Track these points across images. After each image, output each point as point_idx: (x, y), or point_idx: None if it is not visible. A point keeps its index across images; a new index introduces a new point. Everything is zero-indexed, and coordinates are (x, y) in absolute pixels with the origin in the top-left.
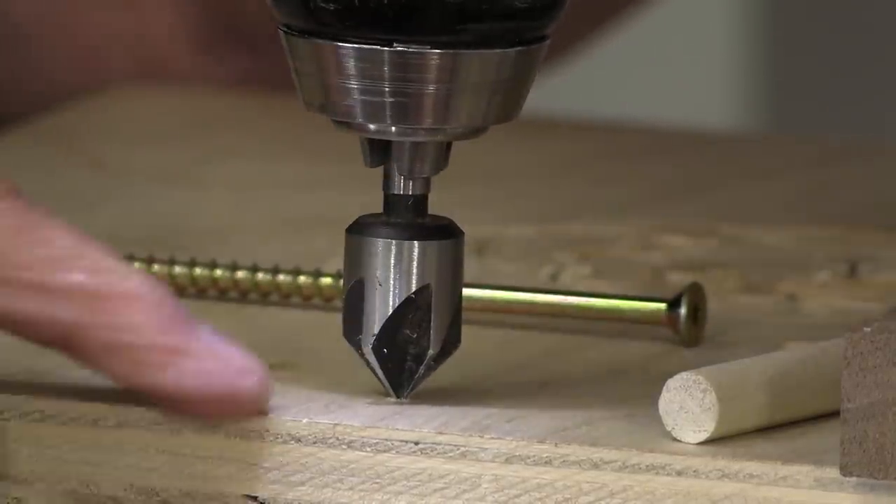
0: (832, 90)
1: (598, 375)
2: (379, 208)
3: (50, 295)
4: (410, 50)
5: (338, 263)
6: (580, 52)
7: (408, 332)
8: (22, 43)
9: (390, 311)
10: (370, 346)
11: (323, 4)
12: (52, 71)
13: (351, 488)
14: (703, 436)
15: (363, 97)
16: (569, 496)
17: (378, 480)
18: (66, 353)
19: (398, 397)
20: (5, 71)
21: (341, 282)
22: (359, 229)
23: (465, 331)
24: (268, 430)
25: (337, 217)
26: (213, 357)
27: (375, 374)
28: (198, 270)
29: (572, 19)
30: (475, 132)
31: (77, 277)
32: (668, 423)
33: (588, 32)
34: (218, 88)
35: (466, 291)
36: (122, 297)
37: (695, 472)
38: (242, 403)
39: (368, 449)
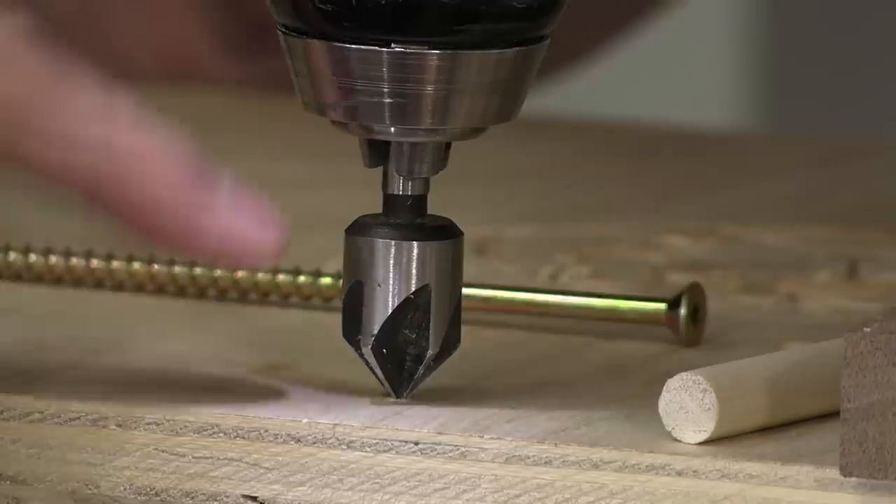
0: (832, 90)
1: (597, 375)
2: (379, 208)
3: (75, 147)
4: (409, 51)
5: (337, 263)
6: (602, 54)
7: (407, 332)
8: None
9: (390, 311)
10: (370, 347)
11: (321, 5)
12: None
13: (351, 488)
14: (703, 436)
15: (361, 98)
16: (569, 496)
17: (378, 480)
18: (89, 206)
19: (398, 397)
20: None
21: (341, 282)
22: (358, 230)
23: (465, 331)
24: (268, 430)
25: (337, 217)
26: (236, 210)
27: (375, 375)
28: (197, 270)
29: (595, 21)
30: (474, 132)
31: (101, 130)
32: (668, 423)
33: (612, 34)
34: (245, 88)
35: (466, 291)
36: (145, 152)
37: (695, 472)
38: (261, 255)
39: (368, 449)
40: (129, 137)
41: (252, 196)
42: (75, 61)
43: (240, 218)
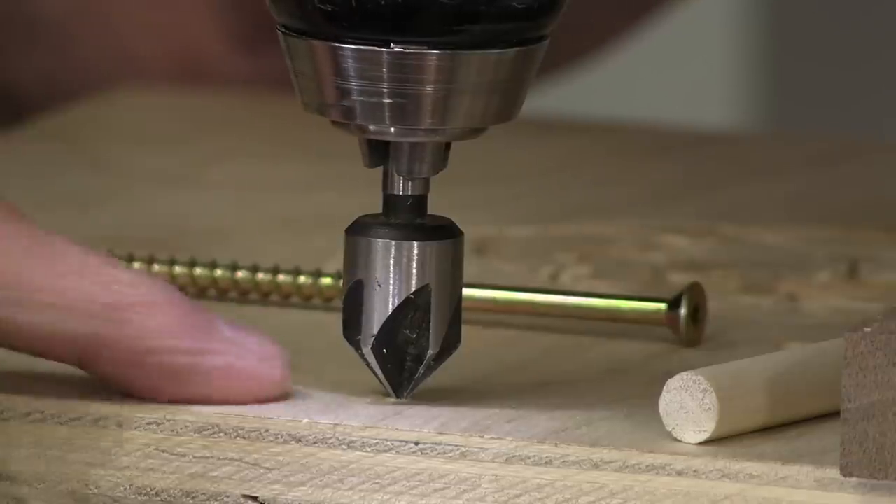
0: (832, 89)
1: (598, 375)
2: (379, 208)
3: (67, 311)
4: (408, 51)
5: (338, 263)
6: (612, 49)
7: (407, 332)
8: (58, 38)
9: (390, 311)
10: (370, 347)
11: (320, 5)
12: (87, 67)
13: (351, 488)
14: (704, 436)
15: (361, 98)
16: (569, 496)
17: (378, 480)
18: (90, 369)
19: (398, 397)
20: (40, 66)
21: (341, 282)
22: (358, 230)
23: (465, 331)
24: (268, 430)
25: (337, 217)
26: (235, 351)
27: (375, 375)
28: (198, 270)
29: (606, 15)
30: (474, 132)
31: (91, 291)
32: (669, 423)
33: (621, 30)
34: (252, 86)
35: (466, 291)
36: (138, 306)
37: (695, 472)
38: (267, 391)
39: (368, 449)
40: (120, 295)
41: (249, 333)
42: (49, 231)
43: (240, 357)
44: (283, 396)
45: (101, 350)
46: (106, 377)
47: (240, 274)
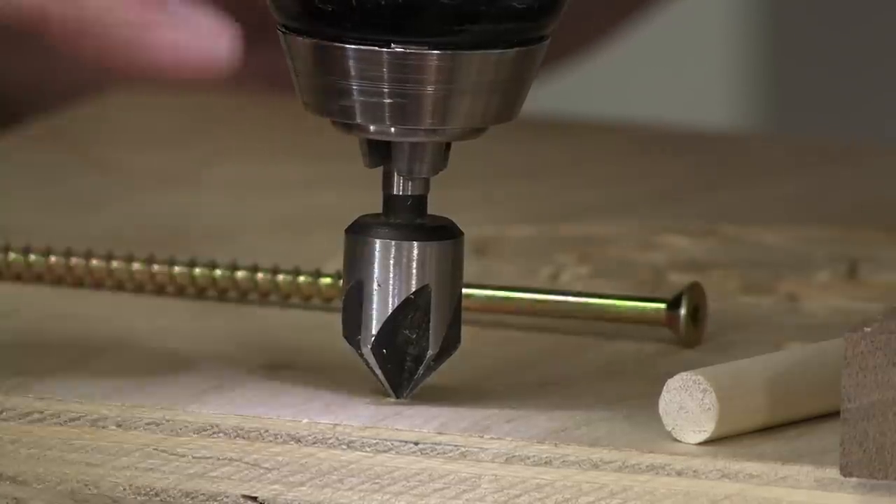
0: (833, 91)
1: (597, 375)
2: (379, 208)
3: None
4: (409, 51)
5: (337, 263)
6: (602, 46)
7: (407, 332)
8: (44, 42)
9: (390, 311)
10: (370, 347)
11: (321, 5)
12: (75, 70)
13: (351, 488)
14: (703, 436)
15: (362, 98)
16: (569, 496)
17: (378, 481)
18: (41, 38)
19: (398, 397)
20: (27, 70)
21: (341, 282)
22: (358, 229)
23: (465, 331)
24: (268, 430)
25: (337, 217)
26: (183, 26)
27: (375, 375)
28: (198, 270)
29: (596, 13)
30: (474, 132)
31: None
32: (668, 423)
33: (612, 26)
34: (244, 86)
35: (466, 291)
36: None
37: (695, 472)
38: (215, 64)
39: (368, 449)
40: None
41: (200, 10)
42: None
43: (187, 32)
44: (225, 73)
45: (49, 23)
46: (57, 46)
47: (240, 274)
